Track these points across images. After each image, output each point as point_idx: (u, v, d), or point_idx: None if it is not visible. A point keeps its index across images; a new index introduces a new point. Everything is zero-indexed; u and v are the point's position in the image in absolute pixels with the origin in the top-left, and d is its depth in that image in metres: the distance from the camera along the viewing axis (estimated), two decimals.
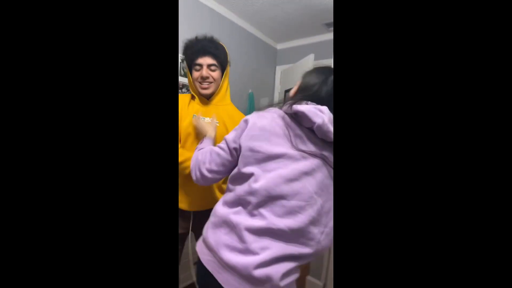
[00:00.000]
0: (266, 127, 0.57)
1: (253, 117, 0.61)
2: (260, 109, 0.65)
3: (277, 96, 2.67)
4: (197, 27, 1.71)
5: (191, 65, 0.97)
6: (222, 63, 0.97)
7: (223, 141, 0.65)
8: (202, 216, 0.95)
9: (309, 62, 1.99)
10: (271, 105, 0.67)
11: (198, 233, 1.00)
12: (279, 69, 2.66)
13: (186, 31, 1.53)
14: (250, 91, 2.32)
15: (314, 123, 0.52)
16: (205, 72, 0.93)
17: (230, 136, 0.63)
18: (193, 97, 1.02)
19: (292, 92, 0.66)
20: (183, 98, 1.00)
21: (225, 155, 0.63)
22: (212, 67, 0.95)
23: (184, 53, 0.98)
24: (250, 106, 2.33)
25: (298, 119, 0.57)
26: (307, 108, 0.54)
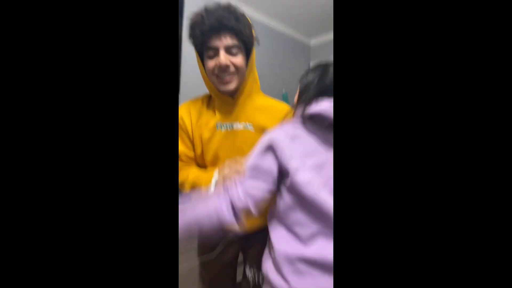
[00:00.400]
0: (298, 139, 0.52)
1: (277, 134, 0.53)
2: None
3: None
4: None
5: (203, 50, 0.65)
6: (247, 43, 0.65)
7: (256, 171, 0.52)
8: (249, 237, 0.75)
9: None
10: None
11: (246, 256, 0.81)
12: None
13: None
14: (284, 91, 2.27)
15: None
16: (223, 58, 0.61)
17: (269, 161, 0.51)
18: (209, 100, 0.73)
19: (295, 100, 0.62)
20: (194, 105, 0.72)
21: (268, 186, 0.52)
22: (233, 50, 0.63)
23: (191, 34, 0.64)
24: None
25: (317, 121, 0.53)
26: (322, 107, 0.51)
